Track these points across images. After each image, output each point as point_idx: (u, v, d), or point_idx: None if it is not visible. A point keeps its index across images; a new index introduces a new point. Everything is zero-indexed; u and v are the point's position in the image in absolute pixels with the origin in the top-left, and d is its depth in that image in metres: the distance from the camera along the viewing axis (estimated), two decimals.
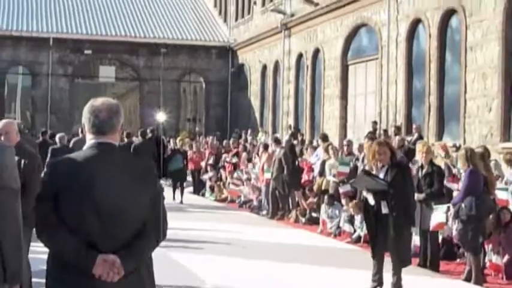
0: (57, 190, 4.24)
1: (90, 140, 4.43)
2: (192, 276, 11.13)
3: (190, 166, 26.21)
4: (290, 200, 19.66)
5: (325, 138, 21.23)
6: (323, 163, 18.49)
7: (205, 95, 44.02)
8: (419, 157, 12.69)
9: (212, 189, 25.23)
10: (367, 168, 11.82)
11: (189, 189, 26.93)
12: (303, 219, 18.30)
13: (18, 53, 41.09)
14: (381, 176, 10.15)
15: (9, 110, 44.78)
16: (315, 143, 23.76)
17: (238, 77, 42.50)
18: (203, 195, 25.69)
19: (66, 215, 4.22)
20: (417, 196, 11.52)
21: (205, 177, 26.07)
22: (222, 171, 25.63)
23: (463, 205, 10.90)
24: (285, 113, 35.37)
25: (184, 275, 11.21)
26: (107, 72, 44.19)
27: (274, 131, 36.29)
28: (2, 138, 7.37)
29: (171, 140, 26.27)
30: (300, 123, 33.68)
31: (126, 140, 23.94)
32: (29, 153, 7.66)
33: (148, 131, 24.74)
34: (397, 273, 10.06)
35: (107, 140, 4.40)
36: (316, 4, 31.07)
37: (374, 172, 10.37)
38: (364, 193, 10.38)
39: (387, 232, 9.91)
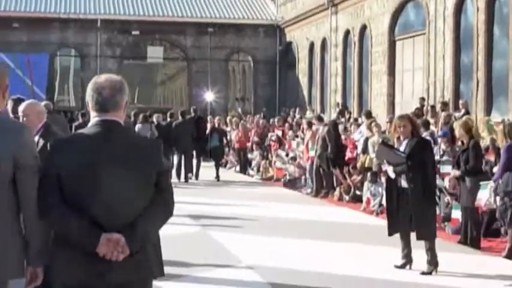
0: (60, 169, 4.19)
1: (93, 117, 4.37)
2: (227, 254, 11.07)
3: (236, 145, 26.31)
4: (334, 178, 19.49)
5: (368, 115, 20.94)
6: (366, 140, 18.24)
7: (254, 74, 43.90)
8: (457, 133, 12.43)
9: (258, 167, 25.15)
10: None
11: (236, 168, 27.07)
12: (347, 197, 18.13)
13: (66, 35, 41.49)
14: (401, 149, 9.94)
15: (62, 92, 45.25)
16: (359, 120, 23.50)
17: (286, 55, 42.28)
18: (249, 174, 25.63)
19: (69, 193, 4.17)
20: (453, 172, 11.30)
21: (251, 156, 26.03)
22: (268, 149, 25.53)
23: (500, 181, 10.65)
24: (333, 91, 35.10)
25: (220, 253, 11.17)
26: (155, 53, 44.34)
27: (323, 109, 36.13)
28: (24, 120, 7.28)
29: (209, 119, 26.54)
30: (347, 100, 33.42)
31: (169, 119, 24.30)
32: (54, 135, 7.51)
33: (191, 110, 25.25)
34: (430, 250, 9.85)
35: (110, 117, 4.33)
36: None
37: (396, 146, 10.20)
38: (385, 166, 10.17)
39: (408, 207, 9.73)
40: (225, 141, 25.00)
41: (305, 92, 39.04)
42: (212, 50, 42.38)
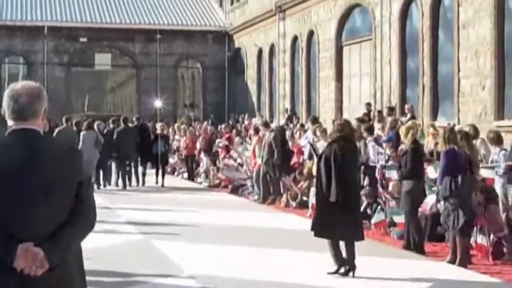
0: None
1: (11, 126, 4.18)
2: (170, 264, 10.89)
3: (184, 152, 26.21)
4: (281, 184, 19.40)
5: (314, 120, 20.91)
6: (312, 146, 18.16)
7: (203, 80, 43.77)
8: (402, 138, 12.46)
9: (206, 174, 25.01)
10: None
11: (184, 175, 26.93)
12: (294, 204, 18.06)
13: (13, 43, 40.88)
14: None
15: None
16: (306, 126, 23.49)
17: (235, 61, 42.24)
18: (197, 181, 25.46)
19: None
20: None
21: (199, 162, 25.90)
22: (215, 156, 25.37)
23: (440, 186, 10.69)
24: (282, 97, 35.13)
25: (162, 262, 10.99)
26: (103, 60, 44.03)
27: (271, 114, 36.14)
28: None
29: (153, 126, 27.43)
30: (296, 106, 33.47)
31: (111, 126, 24.18)
32: None
33: (134, 118, 25.70)
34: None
35: (28, 126, 4.15)
36: None
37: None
38: None
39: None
40: (167, 147, 25.02)
41: (254, 98, 39.01)
42: (161, 56, 42.17)
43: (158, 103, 40.54)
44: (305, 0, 31.64)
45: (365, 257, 11.09)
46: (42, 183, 4.01)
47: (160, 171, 24.04)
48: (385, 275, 9.93)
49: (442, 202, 11.25)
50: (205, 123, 31.16)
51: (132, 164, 23.54)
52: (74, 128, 22.77)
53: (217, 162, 24.65)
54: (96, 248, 11.89)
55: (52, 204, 4.03)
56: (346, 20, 28.89)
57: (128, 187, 23.00)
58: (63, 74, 41.69)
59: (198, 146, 26.13)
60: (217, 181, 23.78)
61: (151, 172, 24.57)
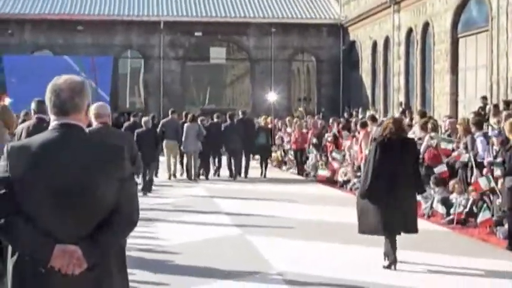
0: (13, 177, 3.90)
1: (52, 121, 4.08)
2: (260, 260, 10.71)
3: (293, 146, 26.06)
4: None
5: (423, 114, 20.30)
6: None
7: (317, 74, 43.47)
8: (506, 133, 11.85)
9: (315, 168, 24.74)
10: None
11: (293, 170, 26.78)
12: None
13: (130, 38, 41.71)
14: None
15: (133, 93, 45.57)
16: (414, 121, 22.87)
17: (350, 54, 41.76)
18: (307, 175, 25.22)
19: (23, 203, 3.87)
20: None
21: (308, 156, 25.67)
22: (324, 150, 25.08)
23: None
24: (396, 90, 34.48)
25: (253, 259, 10.82)
26: (218, 54, 44.31)
27: (386, 108, 35.54)
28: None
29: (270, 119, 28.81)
30: (410, 100, 32.76)
31: (215, 120, 25.45)
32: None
33: (240, 112, 26.31)
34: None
35: (70, 120, 4.04)
36: None
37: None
38: None
39: None
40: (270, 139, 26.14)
41: (368, 92, 38.47)
42: (275, 50, 42.12)
43: (272, 97, 40.46)
44: None
45: (467, 258, 10.71)
46: (79, 181, 3.88)
47: (263, 163, 25.02)
48: (486, 275, 9.46)
49: None
50: (316, 117, 30.85)
51: (238, 156, 24.32)
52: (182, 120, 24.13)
53: (323, 156, 24.36)
54: (188, 243, 11.95)
55: (90, 202, 3.90)
56: (462, 11, 28.03)
57: (235, 178, 23.92)
58: (179, 68, 42.27)
59: (308, 140, 25.91)
60: (325, 174, 23.42)
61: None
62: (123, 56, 42.98)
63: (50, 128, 4.07)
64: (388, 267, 9.97)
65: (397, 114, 30.52)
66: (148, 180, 19.94)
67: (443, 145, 16.82)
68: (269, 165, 26.58)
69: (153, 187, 20.31)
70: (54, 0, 42.85)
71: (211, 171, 24.59)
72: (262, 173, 24.96)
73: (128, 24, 41.59)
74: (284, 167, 28.28)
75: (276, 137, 29.49)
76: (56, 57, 40.96)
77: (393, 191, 9.98)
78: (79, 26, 40.98)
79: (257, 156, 27.08)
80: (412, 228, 10.36)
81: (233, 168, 24.23)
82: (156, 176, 21.92)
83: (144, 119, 21.18)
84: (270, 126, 27.18)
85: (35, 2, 42.37)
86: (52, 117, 4.09)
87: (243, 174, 24.37)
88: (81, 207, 3.88)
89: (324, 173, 23.10)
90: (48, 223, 3.85)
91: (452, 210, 14.43)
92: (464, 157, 15.61)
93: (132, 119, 23.76)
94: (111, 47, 41.46)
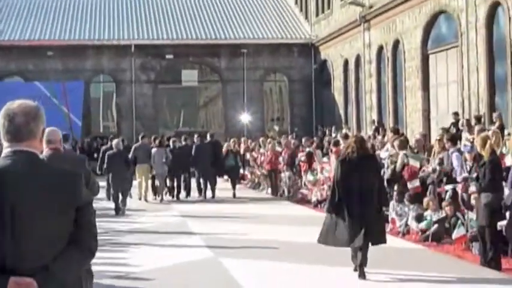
0: None
1: (5, 148, 3.90)
2: (233, 285, 10.54)
3: (267, 167, 26.00)
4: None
5: (396, 131, 20.28)
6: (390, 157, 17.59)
7: (289, 94, 43.47)
8: (478, 149, 11.82)
9: (288, 189, 24.64)
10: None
11: (267, 190, 26.64)
12: None
13: (100, 62, 41.53)
14: None
15: (106, 118, 45.25)
16: (386, 138, 22.85)
17: (322, 73, 41.79)
18: (281, 195, 25.11)
19: None
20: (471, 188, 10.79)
21: (282, 177, 25.57)
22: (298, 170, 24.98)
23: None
24: (368, 108, 34.52)
25: (226, 283, 10.65)
26: (189, 76, 44.19)
27: (359, 126, 35.54)
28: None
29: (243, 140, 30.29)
30: (383, 117, 32.79)
31: (184, 143, 26.56)
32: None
33: (208, 134, 27.21)
34: None
35: (24, 147, 3.86)
36: None
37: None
38: None
39: None
40: (239, 161, 27.59)
41: (341, 110, 38.49)
42: (247, 71, 42.07)
43: (245, 118, 40.47)
44: (390, 9, 31.01)
45: (442, 274, 10.65)
46: (33, 210, 3.71)
47: (233, 184, 25.87)
48: None
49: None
50: (289, 136, 30.77)
51: (207, 176, 25.19)
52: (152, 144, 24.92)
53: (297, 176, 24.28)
54: (160, 268, 11.76)
55: (43, 232, 3.72)
56: (431, 28, 28.15)
57: (205, 197, 24.91)
58: (150, 91, 42.12)
59: (281, 160, 25.80)
60: (299, 196, 23.34)
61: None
62: (95, 81, 42.72)
63: (3, 155, 3.90)
64: (355, 269, 10.78)
65: (370, 132, 30.58)
66: (121, 202, 20.37)
67: (411, 162, 16.77)
68: (244, 187, 27.31)
69: (126, 212, 20.12)
70: (24, 26, 42.59)
71: (182, 193, 25.23)
72: (233, 193, 25.38)
73: (98, 49, 41.40)
74: (259, 188, 28.14)
75: (249, 158, 29.41)
76: (26, 83, 40.66)
77: (358, 205, 10.59)
78: (49, 52, 40.70)
79: (226, 177, 27.99)
80: (380, 240, 10.92)
81: (202, 188, 25.12)
82: (130, 197, 22.39)
83: (114, 141, 21.94)
84: (238, 148, 28.74)
85: (4, 29, 42.07)
86: (5, 144, 3.92)
87: (211, 194, 24.95)
88: (35, 237, 3.70)
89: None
90: (3, 256, 3.67)
91: (426, 227, 14.35)
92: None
93: (109, 143, 24.81)
94: (82, 71, 41.23)
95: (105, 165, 21.20)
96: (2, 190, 3.71)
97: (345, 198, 10.69)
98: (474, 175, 14.30)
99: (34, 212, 3.71)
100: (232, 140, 28.28)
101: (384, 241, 10.95)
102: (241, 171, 29.44)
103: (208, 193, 24.90)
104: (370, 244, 10.71)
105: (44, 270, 3.69)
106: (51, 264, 3.71)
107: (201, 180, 25.28)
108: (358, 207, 10.61)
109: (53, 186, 3.81)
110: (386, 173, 16.84)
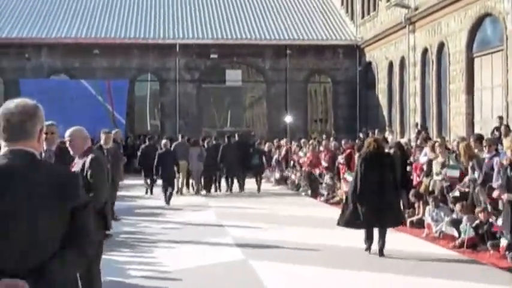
0: None
1: (3, 147, 3.88)
2: (259, 287, 10.46)
3: (306, 169, 25.90)
4: (401, 202, 18.58)
5: (427, 138, 20.01)
6: (430, 162, 17.35)
7: (333, 95, 43.24)
8: (509, 153, 11.57)
9: (328, 191, 24.49)
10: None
11: (307, 192, 26.52)
12: (411, 222, 17.23)
13: (146, 61, 41.76)
14: None
15: (153, 116, 45.45)
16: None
17: (366, 75, 41.53)
18: (320, 198, 24.95)
19: None
20: (507, 196, 10.64)
21: (321, 179, 25.43)
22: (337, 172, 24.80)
23: None
24: (412, 111, 34.19)
25: (252, 285, 10.56)
26: (233, 76, 44.16)
27: (402, 129, 35.23)
28: (67, 144, 8.33)
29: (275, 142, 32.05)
30: (427, 120, 32.44)
31: (214, 142, 29.66)
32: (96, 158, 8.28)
33: (236, 135, 30.05)
34: None
35: (20, 147, 3.83)
36: None
37: None
38: None
39: None
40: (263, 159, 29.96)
41: (385, 112, 38.21)
42: (290, 71, 41.96)
43: (288, 118, 40.36)
44: (435, 12, 30.68)
45: (477, 282, 10.43)
46: (26, 210, 3.67)
47: (257, 180, 28.46)
48: None
49: None
50: (331, 139, 30.61)
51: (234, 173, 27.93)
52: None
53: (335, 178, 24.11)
54: (189, 269, 11.71)
55: (37, 232, 3.68)
56: (476, 31, 27.75)
57: (229, 192, 27.46)
58: (194, 90, 42.24)
59: (322, 162, 25.67)
60: (337, 198, 23.16)
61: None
62: (139, 79, 42.92)
63: (0, 154, 3.87)
64: (366, 250, 13.14)
65: (413, 135, 30.28)
66: (169, 194, 22.76)
67: (449, 172, 16.52)
68: (284, 188, 28.62)
69: (161, 210, 20.31)
70: (70, 24, 43.05)
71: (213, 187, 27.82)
72: (257, 188, 28.04)
73: (143, 48, 41.67)
74: (299, 190, 28.02)
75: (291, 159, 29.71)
76: (72, 80, 41.09)
77: (376, 195, 12.74)
78: (95, 50, 41.10)
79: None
80: (397, 222, 13.71)
81: (229, 183, 27.84)
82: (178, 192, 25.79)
83: (163, 141, 25.10)
84: (263, 148, 31.83)
85: (51, 27, 42.58)
86: (2, 143, 3.89)
87: (239, 189, 27.77)
88: (27, 238, 3.66)
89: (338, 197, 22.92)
90: None
91: (462, 234, 14.10)
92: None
93: (147, 141, 28.02)
94: (127, 70, 41.54)
95: (155, 163, 23.90)
96: None
97: (366, 188, 12.78)
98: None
99: (27, 211, 3.67)
100: (258, 140, 31.47)
101: (399, 223, 14.05)
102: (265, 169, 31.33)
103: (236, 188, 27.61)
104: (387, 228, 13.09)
105: (36, 272, 3.65)
106: (44, 265, 3.67)
107: (229, 176, 27.82)
108: (376, 197, 12.72)
109: (49, 186, 3.77)
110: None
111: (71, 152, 8.37)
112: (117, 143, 20.57)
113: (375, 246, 13.00)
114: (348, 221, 13.24)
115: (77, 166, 8.14)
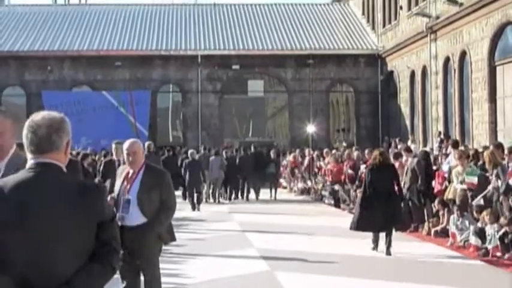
0: None
1: (29, 160, 3.90)
2: None
3: (329, 179, 25.86)
4: (425, 212, 18.54)
5: (455, 144, 19.92)
6: (451, 170, 17.28)
7: (355, 105, 43.16)
8: None
9: (350, 202, 24.42)
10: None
11: (330, 202, 26.49)
12: (435, 231, 17.15)
13: (167, 72, 41.90)
14: None
15: (175, 127, 45.53)
16: (449, 150, 22.42)
17: (388, 84, 41.40)
18: (343, 208, 24.90)
19: None
20: None
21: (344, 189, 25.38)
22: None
23: None
24: (435, 119, 34.04)
25: None
26: (256, 87, 44.18)
27: (425, 138, 35.10)
28: (130, 158, 8.12)
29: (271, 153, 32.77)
30: (450, 129, 32.27)
31: (232, 153, 32.13)
32: (158, 171, 8.30)
33: (252, 146, 32.89)
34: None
35: (46, 160, 3.85)
36: (461, 4, 29.69)
37: None
38: None
39: None
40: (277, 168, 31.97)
41: (407, 122, 38.09)
42: (313, 81, 41.95)
43: (310, 128, 40.27)
44: (456, 20, 30.55)
45: None
46: (53, 225, 3.69)
47: (272, 188, 30.56)
48: None
49: None
50: (353, 149, 30.52)
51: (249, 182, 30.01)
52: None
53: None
54: (213, 280, 11.71)
55: (65, 248, 3.70)
56: (498, 39, 27.62)
57: (245, 200, 29.38)
58: (216, 101, 42.30)
59: (345, 171, 25.61)
60: None
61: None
62: (161, 91, 43.01)
63: (26, 167, 3.90)
64: (373, 249, 14.65)
65: (435, 144, 30.14)
66: (197, 199, 25.07)
67: (467, 178, 16.44)
68: (308, 198, 29.54)
69: (185, 222, 20.39)
70: (92, 36, 43.31)
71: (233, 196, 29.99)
72: (271, 195, 30.23)
73: (165, 59, 41.82)
74: (321, 200, 27.98)
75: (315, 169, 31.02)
76: (94, 92, 41.31)
77: (382, 202, 14.24)
78: (117, 62, 41.26)
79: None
80: (399, 228, 15.42)
81: (245, 191, 29.85)
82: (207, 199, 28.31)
83: (190, 151, 26.96)
84: (277, 158, 33.22)
85: (73, 39, 42.85)
86: (28, 156, 3.92)
87: (255, 196, 29.81)
88: (55, 251, 3.68)
89: None
90: (22, 272, 3.65)
91: (487, 243, 14.02)
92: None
93: (166, 153, 30.75)
94: (149, 81, 41.68)
95: (182, 171, 25.83)
96: (20, 205, 3.69)
97: (373, 196, 14.41)
98: None
99: (54, 226, 3.69)
100: (273, 150, 33.00)
101: (402, 228, 16.03)
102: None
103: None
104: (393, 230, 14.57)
105: (64, 286, 3.66)
106: (71, 279, 3.68)
107: (245, 185, 29.86)
108: (383, 203, 14.21)
109: (75, 200, 3.78)
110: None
111: (129, 167, 8.19)
112: (156, 153, 21.73)
113: (381, 247, 14.49)
114: (358, 225, 14.65)
115: (136, 182, 8.08)
